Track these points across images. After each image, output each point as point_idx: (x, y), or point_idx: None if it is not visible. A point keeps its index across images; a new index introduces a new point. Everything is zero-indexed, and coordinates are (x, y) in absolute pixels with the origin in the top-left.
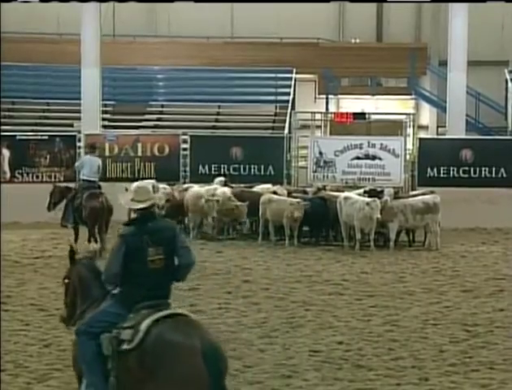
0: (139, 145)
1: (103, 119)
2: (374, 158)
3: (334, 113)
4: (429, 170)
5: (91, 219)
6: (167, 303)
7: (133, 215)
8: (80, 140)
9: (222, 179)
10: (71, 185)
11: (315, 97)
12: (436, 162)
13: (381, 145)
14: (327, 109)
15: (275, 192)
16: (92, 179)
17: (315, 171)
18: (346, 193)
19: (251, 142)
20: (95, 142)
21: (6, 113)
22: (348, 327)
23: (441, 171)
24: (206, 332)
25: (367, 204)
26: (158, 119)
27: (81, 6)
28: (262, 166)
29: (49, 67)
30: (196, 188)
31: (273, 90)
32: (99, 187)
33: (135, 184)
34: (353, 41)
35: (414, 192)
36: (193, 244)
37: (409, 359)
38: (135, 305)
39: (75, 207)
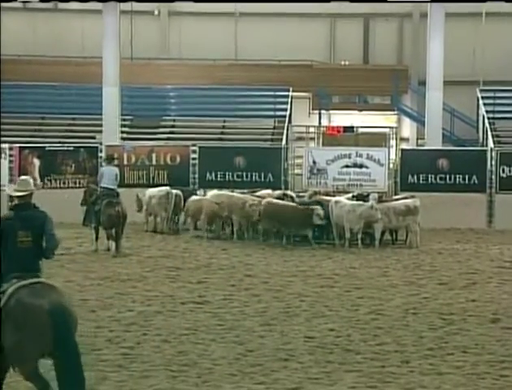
0: (153, 154)
1: (122, 132)
2: (361, 166)
3: (326, 126)
4: (410, 177)
5: (108, 224)
6: (35, 275)
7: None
8: (101, 151)
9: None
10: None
11: (309, 113)
12: (416, 170)
13: (367, 154)
14: (319, 123)
15: (285, 195)
16: (111, 186)
17: (309, 178)
18: (337, 198)
19: (253, 152)
20: (113, 154)
21: (37, 127)
22: (338, 316)
23: (421, 178)
24: (59, 296)
25: (371, 207)
26: (171, 132)
27: (103, 32)
28: (263, 174)
29: (75, 86)
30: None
31: (272, 106)
32: (117, 194)
33: (20, 177)
34: (342, 63)
35: (396, 197)
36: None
37: (392, 344)
38: (8, 276)
39: (95, 211)
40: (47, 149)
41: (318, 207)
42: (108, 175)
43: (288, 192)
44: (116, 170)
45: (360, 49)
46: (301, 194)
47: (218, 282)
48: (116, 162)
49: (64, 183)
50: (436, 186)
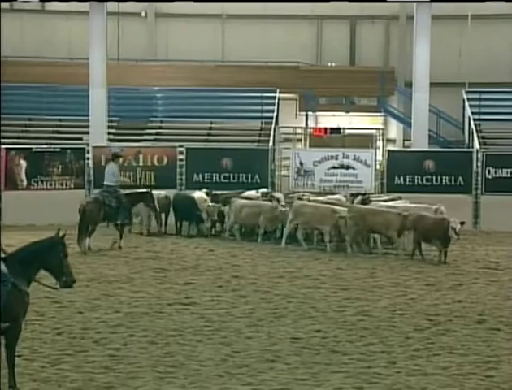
0: (140, 156)
1: (109, 134)
2: (348, 167)
3: (313, 128)
4: (396, 178)
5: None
6: None
7: None
8: (88, 152)
9: (205, 190)
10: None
11: (296, 114)
12: (402, 172)
13: (354, 156)
14: (306, 124)
15: (272, 197)
16: (108, 183)
17: (296, 179)
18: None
19: (240, 154)
20: (116, 152)
21: (24, 128)
22: (325, 317)
23: (407, 179)
24: None
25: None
26: (158, 134)
27: (89, 34)
28: (250, 175)
29: (62, 88)
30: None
31: (259, 108)
32: (114, 190)
33: None
34: (329, 64)
35: (382, 198)
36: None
37: (378, 345)
38: None
39: None
40: (34, 150)
41: (453, 219)
42: (106, 173)
43: (276, 194)
44: (111, 166)
45: (347, 50)
46: (290, 195)
47: (205, 283)
48: (120, 160)
49: (51, 184)
50: (423, 187)
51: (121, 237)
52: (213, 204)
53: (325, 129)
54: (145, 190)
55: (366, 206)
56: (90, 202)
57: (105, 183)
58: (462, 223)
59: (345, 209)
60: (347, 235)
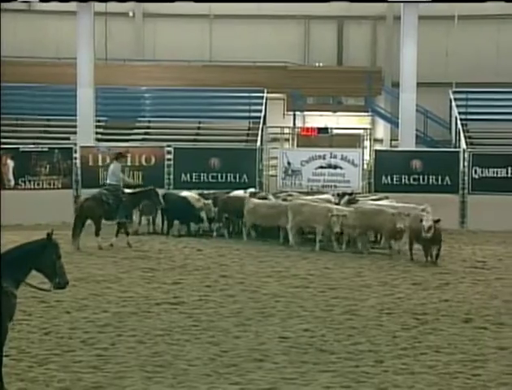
0: (128, 156)
1: (97, 133)
2: (335, 167)
3: (300, 128)
4: (384, 178)
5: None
6: None
7: None
8: (76, 152)
9: (195, 191)
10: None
11: (284, 114)
12: (389, 171)
13: (342, 155)
14: (294, 124)
15: (265, 198)
16: (110, 182)
17: (284, 179)
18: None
19: (228, 153)
20: (120, 152)
21: (12, 128)
22: (313, 316)
23: (394, 179)
24: None
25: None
26: (146, 133)
27: (77, 34)
28: (238, 175)
29: (50, 87)
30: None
31: (247, 108)
32: (115, 189)
33: None
34: (317, 64)
35: (371, 198)
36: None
37: (366, 344)
38: None
39: None
40: (21, 150)
41: (426, 218)
42: (108, 171)
43: (269, 196)
44: (112, 166)
45: (334, 50)
46: (277, 195)
47: (193, 283)
48: (124, 159)
49: (38, 184)
50: (410, 187)
51: (116, 236)
52: (209, 201)
53: (312, 129)
54: (148, 188)
55: (369, 207)
56: (89, 199)
57: (107, 182)
58: (437, 221)
59: (338, 207)
60: (348, 234)
